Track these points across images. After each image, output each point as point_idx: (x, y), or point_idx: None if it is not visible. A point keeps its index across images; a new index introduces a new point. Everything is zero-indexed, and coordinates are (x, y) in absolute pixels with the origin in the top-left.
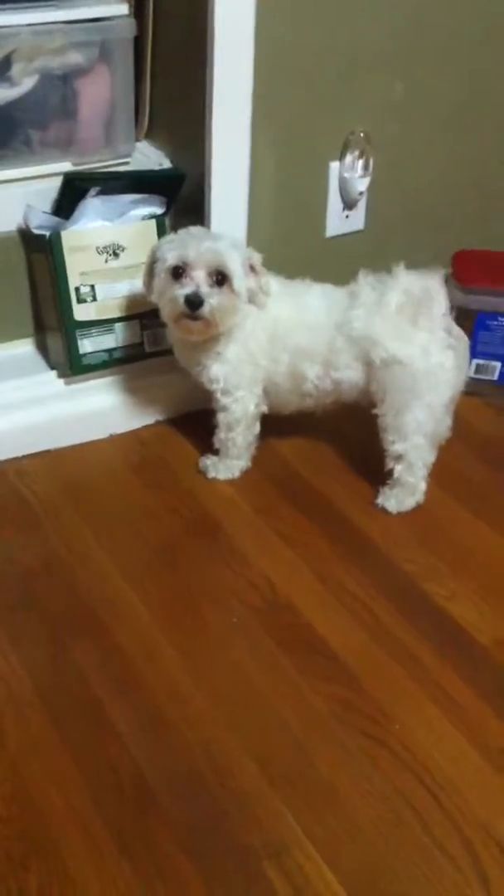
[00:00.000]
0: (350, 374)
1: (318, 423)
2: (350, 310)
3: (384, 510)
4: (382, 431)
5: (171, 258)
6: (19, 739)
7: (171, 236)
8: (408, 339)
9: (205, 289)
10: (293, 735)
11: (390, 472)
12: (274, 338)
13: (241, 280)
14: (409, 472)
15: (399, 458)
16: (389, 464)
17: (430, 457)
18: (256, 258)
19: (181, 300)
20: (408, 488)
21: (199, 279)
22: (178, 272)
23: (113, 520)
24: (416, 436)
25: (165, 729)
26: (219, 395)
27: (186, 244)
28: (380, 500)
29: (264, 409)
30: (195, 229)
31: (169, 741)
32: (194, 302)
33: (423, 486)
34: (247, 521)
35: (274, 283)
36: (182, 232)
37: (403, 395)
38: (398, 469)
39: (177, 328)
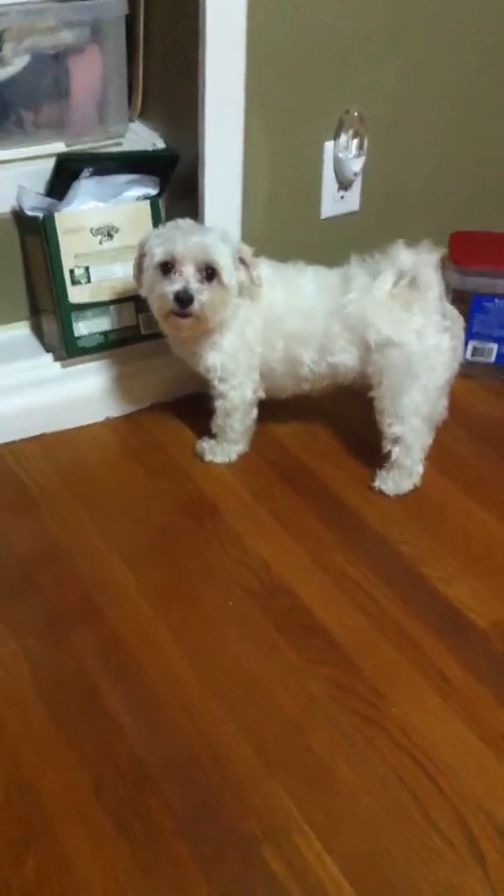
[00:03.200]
0: (346, 358)
1: (314, 406)
2: (344, 294)
3: (381, 493)
4: (379, 414)
5: (159, 253)
6: (17, 726)
7: (158, 230)
8: (402, 321)
9: (194, 284)
10: (291, 719)
11: (387, 455)
12: (269, 323)
13: (230, 274)
14: (406, 455)
15: (396, 440)
16: (386, 446)
17: (427, 439)
18: (246, 251)
19: (171, 297)
20: (405, 471)
21: (188, 274)
22: (166, 267)
23: (110, 503)
24: (413, 418)
25: (163, 714)
26: (216, 382)
27: (174, 239)
28: (377, 483)
29: (262, 394)
30: (183, 222)
31: (166, 726)
32: (184, 299)
33: (420, 468)
34: (244, 505)
35: (266, 267)
36: (170, 225)
37: (400, 377)
38: (395, 451)
39: (166, 325)
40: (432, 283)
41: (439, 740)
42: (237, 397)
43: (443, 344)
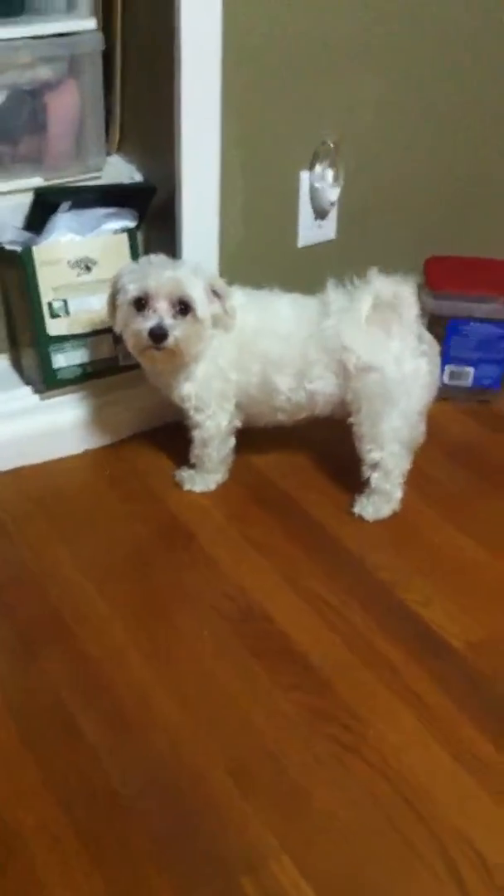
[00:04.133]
0: (324, 385)
1: (293, 433)
2: (322, 320)
3: (361, 518)
4: (358, 440)
5: (132, 290)
6: None
7: (131, 265)
8: (381, 346)
9: (168, 320)
10: (266, 743)
11: (366, 481)
12: (243, 349)
13: (204, 307)
14: (385, 480)
15: (375, 466)
16: (366, 472)
17: (406, 464)
18: (219, 283)
19: (145, 334)
20: (384, 496)
21: (161, 310)
22: (140, 304)
23: (86, 532)
24: (392, 444)
25: (136, 738)
26: (191, 412)
27: (147, 274)
28: (356, 509)
29: (238, 423)
30: (156, 257)
31: (140, 751)
32: (158, 335)
33: (399, 493)
34: (221, 531)
35: (240, 294)
36: (142, 261)
37: (379, 403)
38: (374, 477)
39: (142, 359)
40: (409, 308)
41: (416, 763)
42: (212, 426)
43: (421, 368)
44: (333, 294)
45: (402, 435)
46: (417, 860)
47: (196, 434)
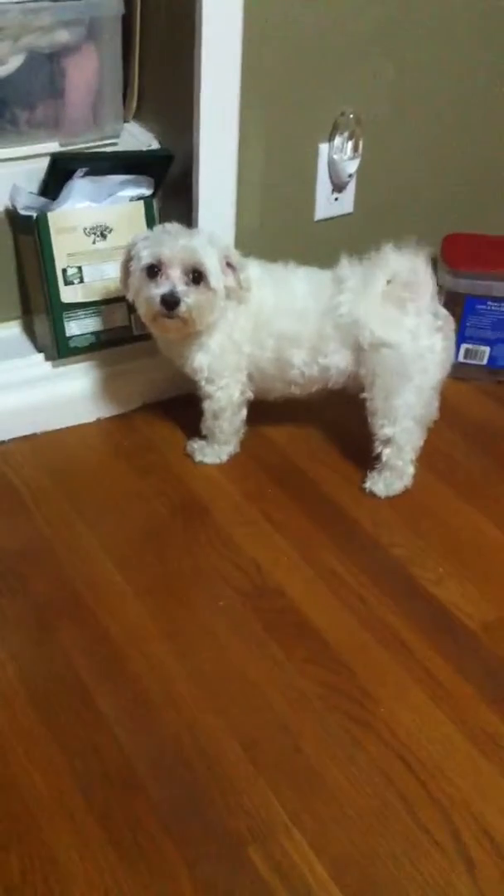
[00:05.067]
0: (338, 360)
1: (306, 407)
2: (336, 295)
3: (372, 494)
4: (371, 415)
5: (146, 257)
6: (2, 723)
7: (146, 233)
8: (396, 322)
9: (181, 287)
10: (279, 718)
11: (378, 457)
12: (258, 324)
13: (217, 277)
14: (397, 456)
15: (388, 441)
16: (378, 448)
17: (418, 440)
18: (233, 254)
19: (157, 300)
20: (396, 472)
21: (174, 278)
22: (153, 271)
23: (100, 503)
24: (405, 419)
25: (151, 712)
26: (203, 383)
27: (162, 242)
28: (368, 485)
29: (250, 395)
30: (171, 226)
31: (154, 724)
32: (170, 302)
33: (411, 469)
34: (235, 505)
35: (256, 267)
36: (157, 229)
37: (393, 378)
38: (387, 453)
39: (154, 327)
40: (426, 283)
41: (428, 741)
42: (224, 398)
43: (436, 344)
44: (347, 269)
45: (415, 411)
46: (428, 839)
47: (207, 406)
